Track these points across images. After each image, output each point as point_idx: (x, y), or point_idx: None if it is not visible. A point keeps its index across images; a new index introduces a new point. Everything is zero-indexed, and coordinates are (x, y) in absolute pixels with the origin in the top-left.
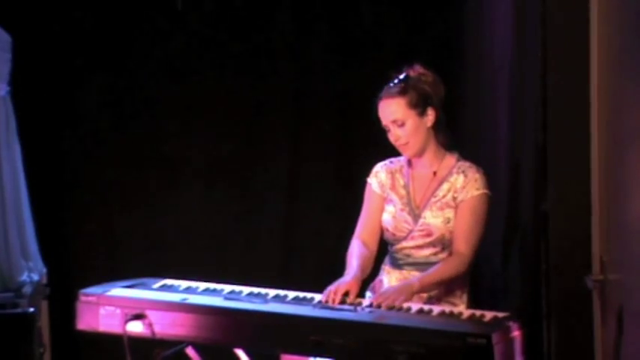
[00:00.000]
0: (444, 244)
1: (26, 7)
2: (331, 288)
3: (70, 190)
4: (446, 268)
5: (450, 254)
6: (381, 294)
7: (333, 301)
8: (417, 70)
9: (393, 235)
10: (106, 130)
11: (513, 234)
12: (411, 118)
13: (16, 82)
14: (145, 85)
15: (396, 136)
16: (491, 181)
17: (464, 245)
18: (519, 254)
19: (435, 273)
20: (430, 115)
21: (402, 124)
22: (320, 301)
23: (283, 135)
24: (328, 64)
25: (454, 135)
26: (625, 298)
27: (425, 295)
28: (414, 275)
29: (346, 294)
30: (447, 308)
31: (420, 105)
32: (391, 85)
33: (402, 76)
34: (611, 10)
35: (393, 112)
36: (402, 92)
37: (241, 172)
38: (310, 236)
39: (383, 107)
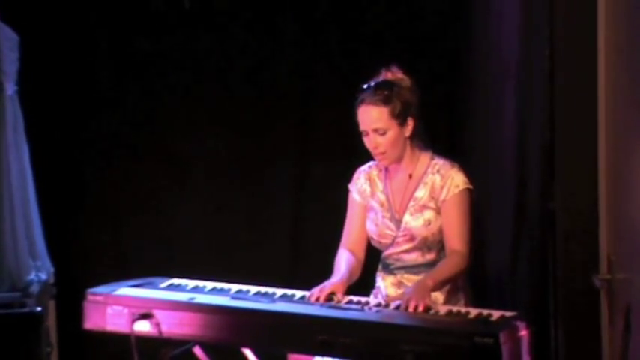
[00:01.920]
0: (428, 245)
1: (33, 7)
2: (317, 288)
3: (77, 190)
4: (450, 265)
5: (439, 253)
6: (405, 303)
7: (318, 299)
8: (395, 73)
9: (379, 242)
10: (113, 129)
11: (520, 233)
12: (392, 128)
13: (23, 82)
14: (153, 85)
15: (375, 143)
16: (498, 179)
17: (458, 243)
18: (526, 253)
19: (442, 270)
20: (409, 126)
21: (384, 133)
22: (328, 300)
23: (291, 135)
24: (336, 65)
25: (463, 137)
26: (633, 297)
27: None
28: (407, 278)
29: (332, 294)
30: (454, 308)
31: (401, 115)
32: (373, 87)
33: (382, 80)
34: (618, 9)
35: (376, 120)
36: (386, 101)
37: (249, 173)
38: (318, 236)
39: (364, 112)
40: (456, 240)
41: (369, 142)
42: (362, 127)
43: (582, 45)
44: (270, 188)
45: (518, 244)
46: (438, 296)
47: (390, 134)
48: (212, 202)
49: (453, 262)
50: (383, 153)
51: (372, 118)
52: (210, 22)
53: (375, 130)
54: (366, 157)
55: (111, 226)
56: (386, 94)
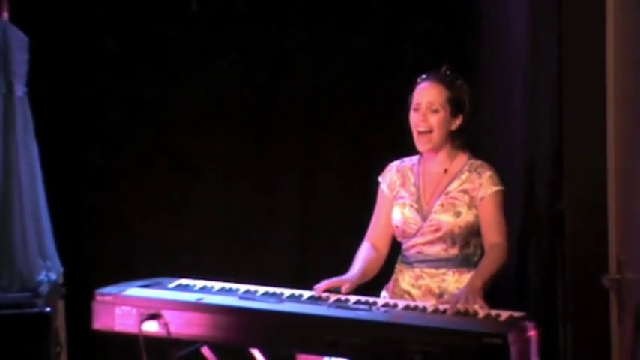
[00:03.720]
0: (454, 239)
1: (43, 8)
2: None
3: (87, 190)
4: (492, 259)
5: (462, 249)
6: (452, 304)
7: (319, 288)
8: (463, 82)
9: (403, 231)
10: (122, 130)
11: (529, 233)
12: (444, 111)
13: (33, 83)
14: (161, 86)
15: (424, 116)
16: (507, 180)
17: (498, 236)
18: (535, 254)
19: (486, 267)
20: (458, 121)
21: (437, 111)
22: (336, 300)
23: (298, 135)
24: (344, 62)
25: (470, 135)
26: None
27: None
28: (427, 272)
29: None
30: (463, 308)
31: (455, 105)
32: (441, 71)
33: (450, 70)
34: (627, 8)
35: (435, 95)
36: (449, 85)
37: (256, 173)
38: (326, 235)
39: (425, 87)
40: (496, 233)
41: (416, 116)
42: (416, 100)
43: (591, 45)
44: (277, 189)
45: (527, 244)
46: None
47: (441, 115)
48: (219, 202)
49: (494, 256)
50: (429, 132)
51: (432, 93)
52: (218, 25)
53: (430, 104)
54: (376, 160)
55: (120, 227)
56: (451, 80)
